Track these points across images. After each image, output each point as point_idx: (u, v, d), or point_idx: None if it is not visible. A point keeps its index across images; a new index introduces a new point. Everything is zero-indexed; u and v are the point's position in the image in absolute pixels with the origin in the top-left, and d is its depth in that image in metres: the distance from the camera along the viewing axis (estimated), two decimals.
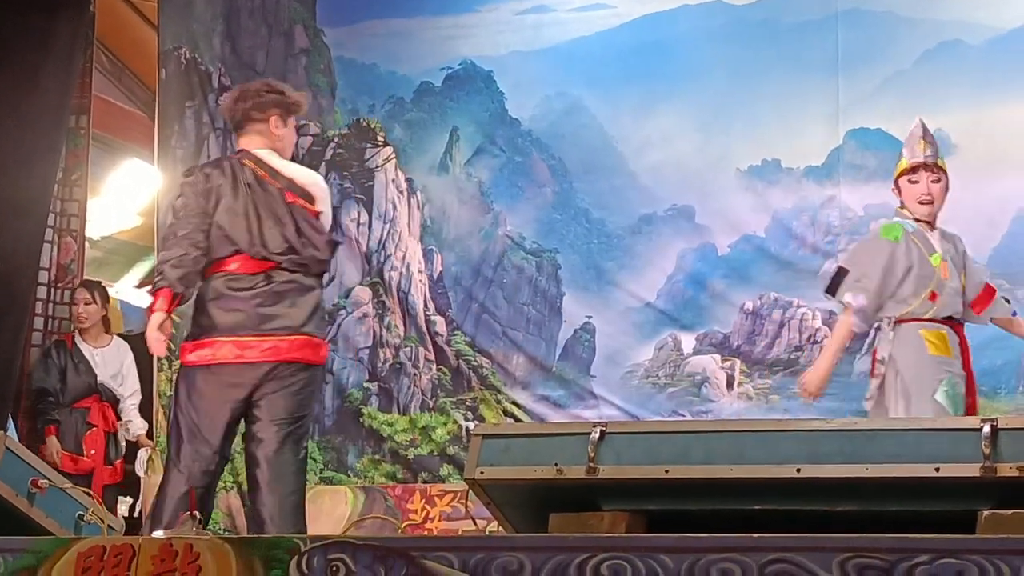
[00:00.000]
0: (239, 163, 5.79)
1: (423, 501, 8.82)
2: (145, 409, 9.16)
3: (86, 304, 8.76)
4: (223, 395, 5.63)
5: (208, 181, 5.73)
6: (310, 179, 5.87)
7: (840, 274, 6.32)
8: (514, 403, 9.04)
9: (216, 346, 5.63)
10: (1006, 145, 8.20)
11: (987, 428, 3.37)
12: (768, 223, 8.75)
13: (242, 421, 5.74)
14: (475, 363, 9.16)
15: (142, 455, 8.76)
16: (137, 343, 9.72)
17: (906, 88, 8.46)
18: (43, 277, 9.40)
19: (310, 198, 5.74)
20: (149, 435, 9.10)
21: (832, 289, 6.34)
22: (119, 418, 8.79)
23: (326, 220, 5.80)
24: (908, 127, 8.17)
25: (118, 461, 8.73)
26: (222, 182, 5.71)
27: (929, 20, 8.47)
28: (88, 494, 5.03)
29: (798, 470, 3.50)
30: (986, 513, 3.35)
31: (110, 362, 8.82)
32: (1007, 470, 3.32)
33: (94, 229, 11.02)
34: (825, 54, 8.55)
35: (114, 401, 8.76)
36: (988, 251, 8.08)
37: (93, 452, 8.58)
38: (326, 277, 9.25)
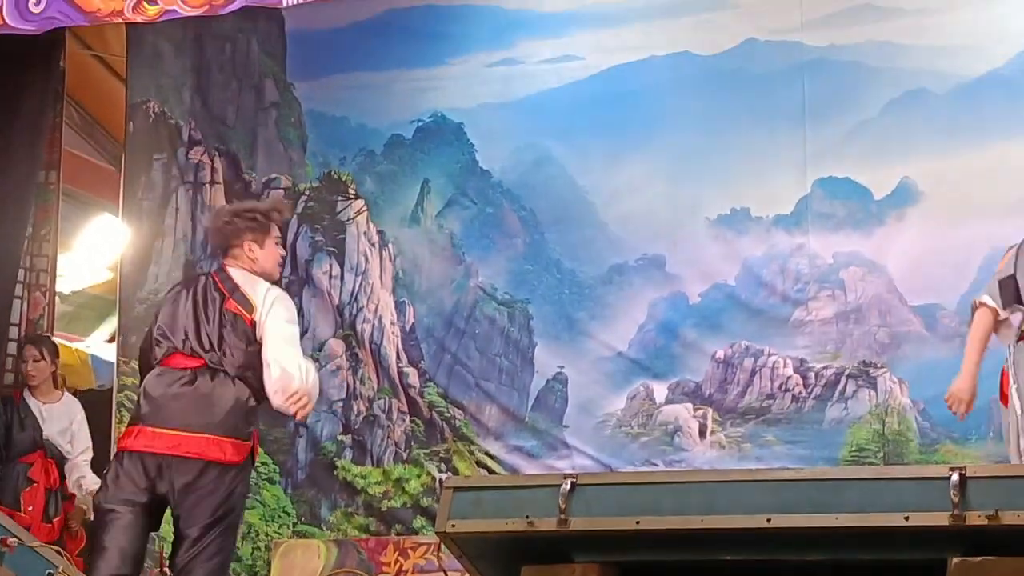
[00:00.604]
0: (205, 275, 6.20)
1: (396, 554, 8.79)
2: (102, 465, 9.12)
3: (35, 361, 8.67)
4: (136, 477, 5.78)
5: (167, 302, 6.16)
6: (258, 290, 6.02)
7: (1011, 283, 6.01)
8: (487, 454, 9.03)
9: (135, 433, 5.85)
10: (972, 192, 8.26)
11: (956, 477, 3.39)
12: (738, 272, 8.78)
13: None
14: (448, 414, 9.15)
15: None
16: (101, 399, 9.71)
17: (872, 137, 8.52)
18: (12, 333, 9.35)
19: (249, 307, 5.93)
20: None
21: (1011, 300, 5.99)
22: (63, 476, 8.71)
23: (263, 331, 5.90)
24: (876, 175, 8.29)
25: (57, 519, 8.62)
26: (178, 295, 6.08)
27: (894, 69, 8.53)
28: (59, 552, 5.00)
29: (768, 520, 3.51)
30: (955, 561, 3.36)
31: (58, 418, 8.73)
32: (976, 518, 3.33)
33: (64, 284, 10.98)
34: (792, 104, 8.61)
35: (60, 458, 8.68)
36: (956, 298, 8.13)
37: (31, 508, 8.44)
38: (300, 327, 9.42)
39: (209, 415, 5.78)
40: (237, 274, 6.03)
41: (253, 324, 5.90)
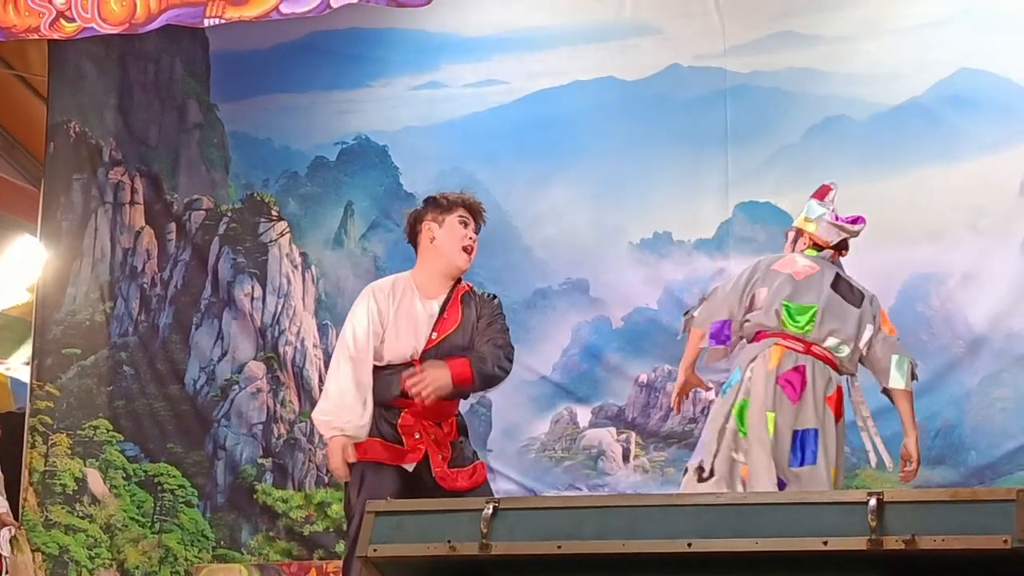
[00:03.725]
0: None
1: None
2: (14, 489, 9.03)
3: None
4: None
5: None
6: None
7: None
8: None
9: None
10: (892, 218, 8.34)
11: (873, 502, 3.41)
12: (660, 295, 8.82)
13: None
14: None
15: (5, 534, 8.60)
16: (20, 422, 9.60)
17: (793, 162, 8.60)
18: None
19: None
20: (16, 514, 8.93)
21: None
22: None
23: None
24: (797, 200, 8.35)
25: None
26: None
27: (815, 96, 8.62)
28: None
29: (689, 544, 3.52)
30: None
31: None
32: (893, 543, 3.36)
33: None
34: (714, 129, 8.68)
35: None
36: None
37: None
38: (218, 351, 9.38)
39: None
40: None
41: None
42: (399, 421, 5.68)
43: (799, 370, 5.96)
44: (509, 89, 9.24)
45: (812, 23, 8.72)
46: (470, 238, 5.86)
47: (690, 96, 8.86)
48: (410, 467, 5.63)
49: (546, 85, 9.16)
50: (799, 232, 6.42)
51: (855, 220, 6.37)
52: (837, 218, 6.34)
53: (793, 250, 6.41)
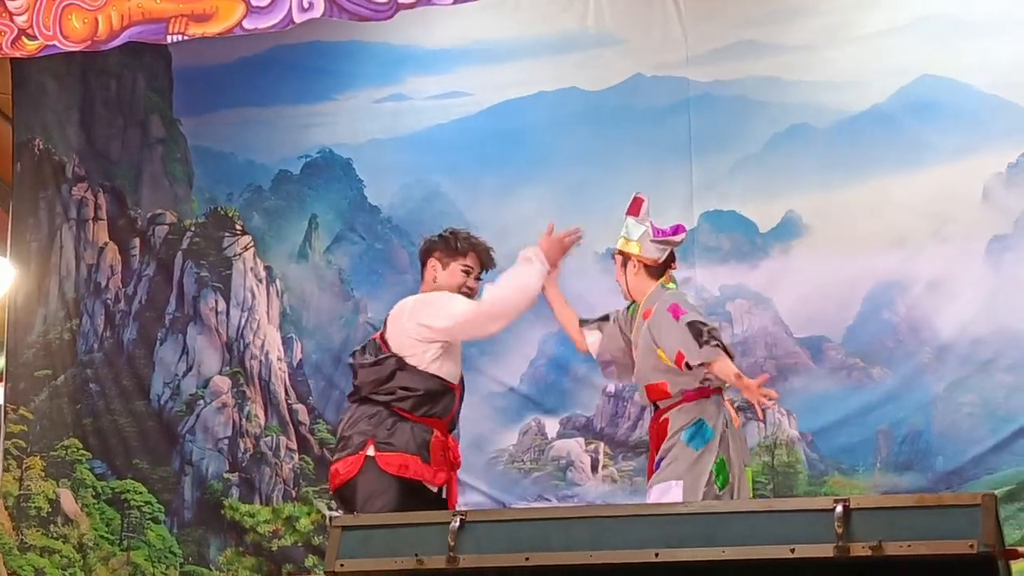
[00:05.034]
0: None
1: None
2: None
3: None
4: None
5: None
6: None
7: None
8: None
9: None
10: (855, 226, 8.37)
11: (840, 509, 3.42)
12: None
13: None
14: None
15: None
16: None
17: (758, 170, 8.61)
18: None
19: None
20: None
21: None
22: None
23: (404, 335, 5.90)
24: (761, 208, 8.37)
25: None
26: None
27: (778, 104, 8.63)
28: None
29: (656, 555, 3.53)
30: None
31: None
32: (859, 549, 3.37)
33: None
34: (678, 138, 8.68)
35: None
36: (842, 330, 8.23)
37: None
38: (183, 365, 9.34)
39: None
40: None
41: (383, 340, 5.93)
42: (431, 439, 5.72)
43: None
44: (473, 100, 9.24)
45: (774, 32, 8.74)
46: (469, 287, 6.04)
47: (653, 105, 8.87)
48: (434, 488, 5.72)
49: (510, 96, 9.16)
50: (625, 256, 6.32)
51: (676, 230, 6.29)
52: (657, 233, 6.25)
53: (624, 274, 6.33)
